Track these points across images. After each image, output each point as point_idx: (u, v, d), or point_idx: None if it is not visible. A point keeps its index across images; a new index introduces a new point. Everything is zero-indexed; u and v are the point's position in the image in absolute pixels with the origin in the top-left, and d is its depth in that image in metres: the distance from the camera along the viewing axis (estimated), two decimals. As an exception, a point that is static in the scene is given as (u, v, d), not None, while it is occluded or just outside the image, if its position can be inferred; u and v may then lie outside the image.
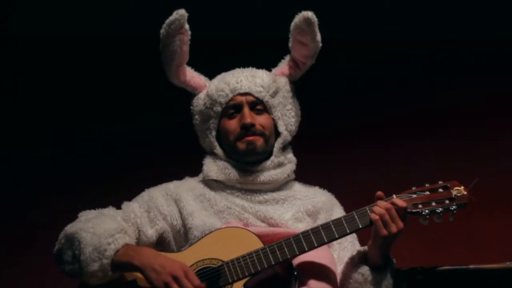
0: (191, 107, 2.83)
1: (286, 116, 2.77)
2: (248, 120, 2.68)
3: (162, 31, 2.67)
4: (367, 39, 4.16)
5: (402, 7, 4.11)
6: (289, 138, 2.78)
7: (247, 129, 2.68)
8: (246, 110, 2.71)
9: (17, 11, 4.06)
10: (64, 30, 4.20)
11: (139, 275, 2.52)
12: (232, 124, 2.71)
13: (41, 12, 4.08)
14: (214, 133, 2.76)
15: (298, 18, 2.71)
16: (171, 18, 2.65)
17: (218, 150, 2.74)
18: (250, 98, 2.73)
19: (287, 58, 2.83)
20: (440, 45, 4.26)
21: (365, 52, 4.19)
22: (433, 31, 4.24)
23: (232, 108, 2.73)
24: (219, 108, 2.74)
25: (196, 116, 2.81)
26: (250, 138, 2.68)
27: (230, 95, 2.73)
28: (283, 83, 2.80)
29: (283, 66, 2.84)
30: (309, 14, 2.69)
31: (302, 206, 2.70)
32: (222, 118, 2.74)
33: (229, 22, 4.01)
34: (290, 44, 2.78)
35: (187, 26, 2.69)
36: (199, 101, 2.80)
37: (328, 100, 4.08)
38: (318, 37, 2.73)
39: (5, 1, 3.99)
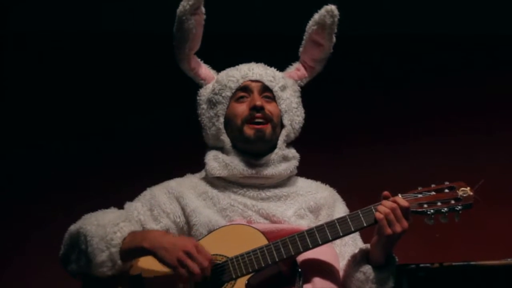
0: (198, 98, 2.82)
1: (292, 113, 2.77)
2: (258, 102, 2.68)
3: (179, 8, 2.66)
4: (368, 36, 4.15)
5: (402, 3, 4.11)
6: (292, 134, 2.78)
7: (257, 110, 2.67)
8: (256, 94, 2.72)
9: (17, 6, 4.04)
10: (64, 26, 4.19)
11: (144, 267, 2.53)
12: (241, 107, 2.71)
13: (42, 8, 4.06)
14: (222, 119, 2.74)
15: (318, 14, 2.75)
16: None
17: (225, 137, 2.72)
18: (260, 85, 2.73)
19: (295, 64, 2.86)
20: (441, 43, 4.25)
21: (368, 49, 4.18)
22: (435, 28, 4.24)
23: (242, 91, 2.73)
24: (228, 93, 2.73)
25: (203, 105, 2.79)
26: (259, 126, 2.67)
27: (241, 81, 2.74)
28: (291, 83, 2.83)
29: (291, 71, 2.86)
30: (333, 7, 2.73)
31: (304, 203, 2.70)
32: (231, 103, 2.73)
33: (228, 20, 4.00)
34: (301, 48, 2.81)
35: (203, 9, 2.69)
36: (207, 90, 2.80)
37: (330, 98, 4.08)
38: (334, 38, 2.76)
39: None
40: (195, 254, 2.41)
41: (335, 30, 2.75)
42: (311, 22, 2.77)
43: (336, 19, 2.74)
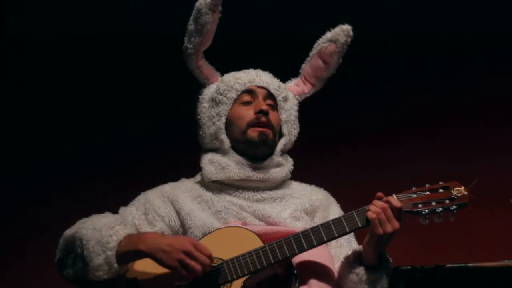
0: (200, 96, 2.82)
1: (290, 124, 2.80)
2: (264, 106, 2.71)
3: (199, 0, 2.67)
4: (367, 38, 4.15)
5: (401, 6, 4.12)
6: (288, 145, 2.80)
7: (263, 113, 2.69)
8: (261, 99, 2.74)
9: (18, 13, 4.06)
10: (63, 31, 4.20)
11: (140, 270, 2.53)
12: (247, 111, 2.72)
13: (41, 14, 4.08)
14: (223, 119, 2.75)
15: (332, 32, 2.79)
16: None
17: (225, 137, 2.73)
18: (265, 92, 2.76)
19: (294, 80, 2.89)
20: (440, 44, 4.26)
21: (365, 51, 4.18)
22: (433, 30, 4.24)
23: (248, 93, 2.75)
24: (233, 95, 2.75)
25: (205, 104, 2.79)
26: (263, 129, 2.70)
27: (248, 84, 2.76)
28: (292, 95, 2.86)
29: (290, 85, 2.89)
30: (349, 27, 2.78)
31: (300, 205, 2.71)
32: (234, 105, 2.75)
33: (228, 21, 4.01)
34: (304, 64, 2.85)
35: (220, 8, 2.70)
36: (211, 89, 2.81)
37: (328, 99, 4.08)
38: (341, 59, 2.81)
39: (6, 3, 3.99)
40: (195, 253, 2.42)
41: (345, 51, 2.79)
42: (321, 40, 2.80)
43: (349, 40, 2.78)
